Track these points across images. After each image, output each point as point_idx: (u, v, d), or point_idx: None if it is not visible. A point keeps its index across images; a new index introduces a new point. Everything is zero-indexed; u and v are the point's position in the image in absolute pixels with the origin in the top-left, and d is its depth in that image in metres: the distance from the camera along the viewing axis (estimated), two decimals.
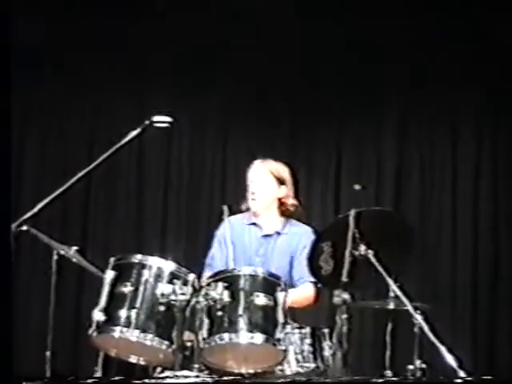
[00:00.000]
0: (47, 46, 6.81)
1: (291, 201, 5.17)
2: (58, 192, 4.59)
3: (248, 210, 5.18)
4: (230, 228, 5.06)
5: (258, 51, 6.89)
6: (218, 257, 5.04)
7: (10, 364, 3.43)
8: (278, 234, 5.12)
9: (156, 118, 4.76)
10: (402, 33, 6.82)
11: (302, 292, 4.95)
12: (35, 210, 4.49)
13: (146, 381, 4.03)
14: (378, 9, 6.77)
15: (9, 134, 3.80)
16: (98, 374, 4.74)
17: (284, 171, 5.20)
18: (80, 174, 4.64)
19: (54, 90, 6.90)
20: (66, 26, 6.82)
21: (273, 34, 6.86)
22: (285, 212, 5.17)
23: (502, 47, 6.77)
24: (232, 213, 5.16)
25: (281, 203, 5.17)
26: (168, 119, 4.77)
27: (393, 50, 6.88)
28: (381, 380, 4.09)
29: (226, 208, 5.06)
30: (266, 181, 5.12)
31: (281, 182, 5.15)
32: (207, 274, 4.67)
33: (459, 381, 3.76)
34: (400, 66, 6.89)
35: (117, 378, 4.26)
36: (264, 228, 5.14)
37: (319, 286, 4.90)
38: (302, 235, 5.07)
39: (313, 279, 4.74)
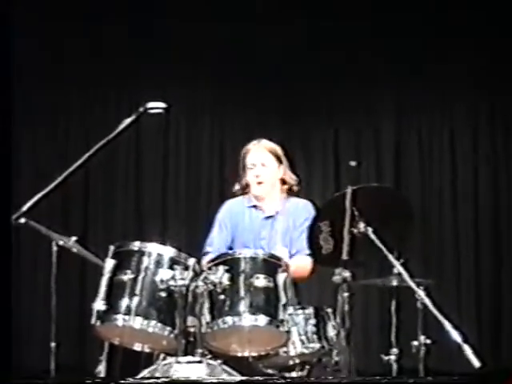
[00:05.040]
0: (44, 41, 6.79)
1: (292, 177, 5.09)
2: (56, 182, 4.56)
3: (243, 191, 5.11)
4: (230, 211, 5.01)
5: (253, 36, 6.86)
6: (218, 240, 4.99)
7: (9, 363, 3.42)
8: (278, 213, 5.05)
9: (150, 105, 4.71)
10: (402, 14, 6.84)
11: (296, 263, 4.83)
12: (33, 201, 4.45)
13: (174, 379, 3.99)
14: None
15: (9, 126, 3.74)
16: (103, 364, 4.71)
17: (279, 149, 5.11)
18: (77, 164, 4.61)
19: (49, 83, 6.87)
20: (61, 19, 6.80)
21: (266, 24, 6.83)
22: (289, 191, 5.09)
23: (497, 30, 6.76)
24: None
25: (283, 183, 5.10)
26: (162, 105, 4.71)
27: (391, 31, 6.86)
28: (384, 380, 4.04)
29: None
30: (269, 162, 5.04)
31: (280, 161, 5.08)
32: (208, 258, 4.64)
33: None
34: (397, 44, 6.87)
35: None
36: (266, 210, 5.07)
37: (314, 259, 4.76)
38: (300, 210, 5.01)
39: (308, 252, 4.62)
